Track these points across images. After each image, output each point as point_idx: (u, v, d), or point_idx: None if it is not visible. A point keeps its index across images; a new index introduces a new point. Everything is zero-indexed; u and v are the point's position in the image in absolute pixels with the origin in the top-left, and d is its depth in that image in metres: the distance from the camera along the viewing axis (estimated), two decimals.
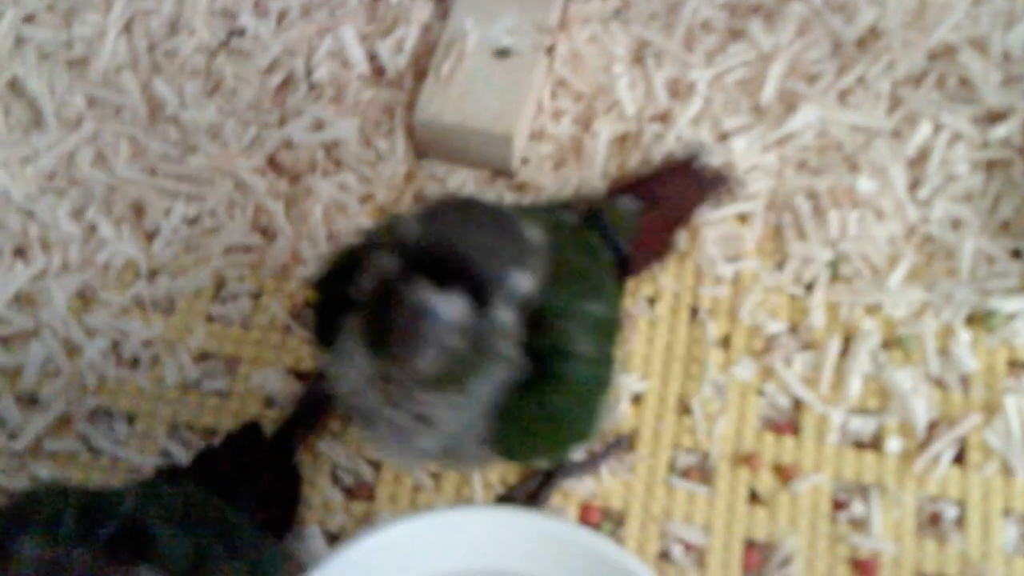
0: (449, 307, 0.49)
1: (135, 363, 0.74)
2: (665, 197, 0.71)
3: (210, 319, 0.75)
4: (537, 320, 0.54)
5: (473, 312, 0.49)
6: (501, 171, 0.80)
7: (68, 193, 0.79)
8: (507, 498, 0.68)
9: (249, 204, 0.79)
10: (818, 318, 0.74)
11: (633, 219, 0.68)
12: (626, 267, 0.65)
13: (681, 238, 0.75)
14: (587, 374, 0.56)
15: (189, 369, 0.73)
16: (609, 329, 0.59)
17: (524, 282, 0.50)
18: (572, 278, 0.57)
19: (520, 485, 0.69)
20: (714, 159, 0.77)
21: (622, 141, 0.81)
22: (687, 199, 0.73)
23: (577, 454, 0.68)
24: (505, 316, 0.51)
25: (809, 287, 0.75)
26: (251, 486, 0.65)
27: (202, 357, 0.74)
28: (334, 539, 0.68)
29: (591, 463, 0.69)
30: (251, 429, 0.68)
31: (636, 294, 0.75)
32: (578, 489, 0.69)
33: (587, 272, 0.59)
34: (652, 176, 0.73)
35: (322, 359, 0.59)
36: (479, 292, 0.49)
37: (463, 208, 0.52)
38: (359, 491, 0.70)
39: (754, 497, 0.69)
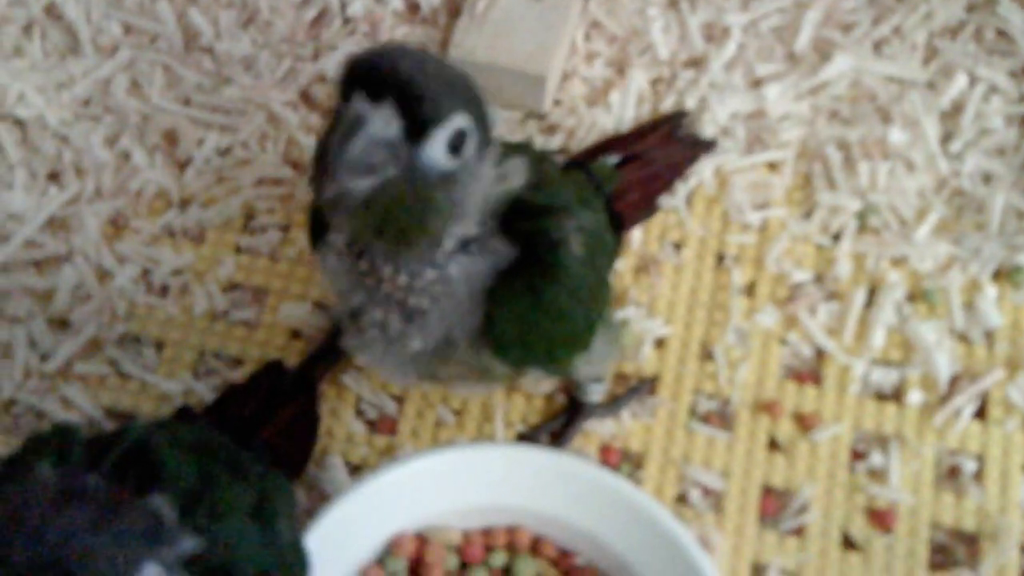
0: (379, 118, 0.48)
1: (164, 291, 0.74)
2: (648, 157, 0.73)
3: (239, 250, 0.76)
4: (521, 207, 0.55)
5: (406, 139, 0.48)
6: (532, 112, 0.79)
7: (103, 120, 0.80)
8: (529, 437, 0.69)
9: (281, 137, 0.79)
10: (844, 268, 0.74)
11: (614, 175, 0.70)
12: (618, 221, 0.66)
13: (662, 199, 0.75)
14: (578, 270, 0.56)
15: (217, 299, 0.74)
16: (601, 245, 0.59)
17: (464, 124, 0.49)
18: (560, 186, 0.58)
19: (543, 425, 0.69)
20: (698, 122, 0.78)
21: (654, 85, 0.81)
22: (669, 160, 0.75)
23: (597, 395, 0.68)
24: (441, 155, 0.49)
25: (836, 237, 0.75)
26: (270, 422, 0.66)
27: (230, 287, 0.75)
28: (356, 470, 0.69)
29: (613, 405, 0.69)
30: (274, 367, 0.69)
31: (663, 239, 0.75)
32: (599, 430, 0.69)
33: (576, 191, 0.60)
34: (634, 135, 0.75)
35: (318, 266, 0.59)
36: (415, 120, 0.48)
37: (423, 52, 0.51)
38: (382, 425, 0.70)
39: (773, 444, 0.70)
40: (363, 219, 0.50)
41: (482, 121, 0.51)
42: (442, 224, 0.52)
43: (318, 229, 0.58)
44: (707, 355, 0.72)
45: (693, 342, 0.72)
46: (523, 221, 0.55)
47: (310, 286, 0.74)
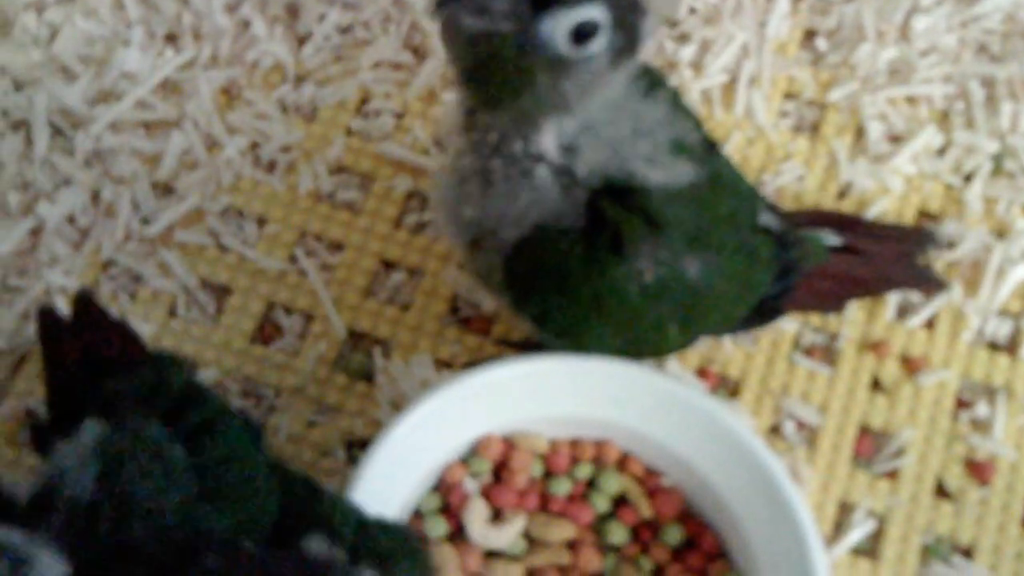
0: None
1: (271, 167, 0.74)
2: (871, 261, 0.66)
3: (350, 132, 0.74)
4: (622, 191, 0.52)
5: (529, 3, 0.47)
6: (665, 18, 0.77)
7: None
8: None
9: (404, 20, 0.77)
10: (972, 211, 0.71)
11: (823, 255, 0.64)
12: (774, 310, 0.62)
13: (853, 305, 0.69)
14: (628, 294, 0.54)
15: (323, 180, 0.73)
16: (688, 301, 0.56)
17: (596, 16, 0.47)
18: (701, 222, 0.54)
19: None
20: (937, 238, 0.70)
21: (796, 3, 0.78)
22: (889, 276, 0.67)
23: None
24: (561, 38, 0.47)
25: (968, 178, 0.72)
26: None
27: (338, 170, 0.74)
28: (444, 367, 0.68)
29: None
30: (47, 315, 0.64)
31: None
32: (699, 351, 0.68)
33: (721, 243, 0.56)
34: (870, 228, 0.69)
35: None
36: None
37: None
38: (475, 324, 0.69)
39: (876, 385, 0.68)
40: (464, 55, 0.49)
41: (625, 23, 0.48)
42: (536, 105, 0.50)
43: None
44: None
45: None
46: (615, 202, 0.52)
47: (419, 175, 0.73)
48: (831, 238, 0.65)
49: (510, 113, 0.51)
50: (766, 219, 0.60)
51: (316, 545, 0.45)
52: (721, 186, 0.56)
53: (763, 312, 0.61)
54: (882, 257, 0.67)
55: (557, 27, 0.47)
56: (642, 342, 0.57)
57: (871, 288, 0.67)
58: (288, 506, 0.48)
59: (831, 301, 0.66)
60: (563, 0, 0.46)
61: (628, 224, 0.53)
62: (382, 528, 0.49)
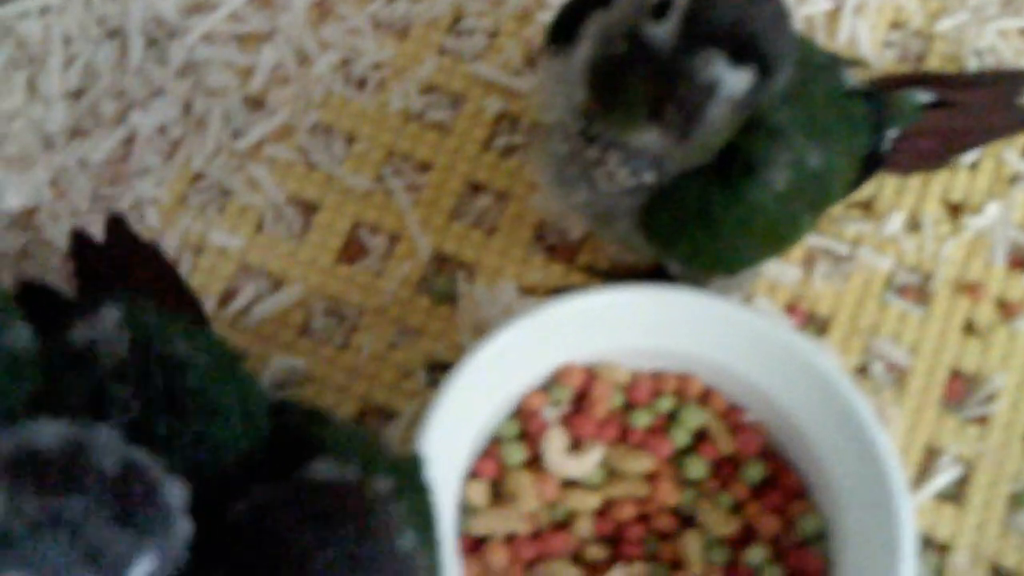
0: (739, 83, 0.47)
1: (362, 84, 0.73)
2: (968, 111, 0.65)
3: (442, 51, 0.73)
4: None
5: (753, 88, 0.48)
6: None
7: None
8: None
9: None
10: None
11: (916, 113, 0.63)
12: (876, 164, 0.61)
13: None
14: (765, 203, 0.54)
15: (413, 99, 0.72)
16: (816, 189, 0.56)
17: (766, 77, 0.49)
18: (808, 108, 0.55)
19: None
20: None
21: None
22: (990, 123, 0.66)
23: None
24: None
25: None
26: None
27: (428, 89, 0.73)
28: (527, 294, 0.67)
29: None
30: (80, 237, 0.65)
31: None
32: (786, 286, 0.66)
33: (831, 120, 0.56)
34: (962, 79, 0.67)
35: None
36: (764, 69, 0.48)
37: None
38: (561, 251, 0.68)
39: (969, 328, 0.66)
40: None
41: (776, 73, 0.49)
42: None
43: (566, 26, 0.56)
44: (915, 225, 0.68)
45: (902, 208, 0.68)
46: (737, 131, 0.52)
47: (510, 97, 0.71)
48: (923, 95, 0.64)
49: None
50: (850, 80, 0.59)
51: (324, 468, 0.44)
52: (810, 67, 0.56)
53: (866, 170, 0.61)
54: (979, 105, 0.66)
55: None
56: (781, 242, 0.58)
57: (973, 139, 0.66)
58: (283, 438, 0.47)
59: (934, 159, 0.66)
60: (775, 65, 0.48)
61: (755, 144, 0.53)
62: (395, 458, 0.49)
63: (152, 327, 0.45)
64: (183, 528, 0.39)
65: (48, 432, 0.38)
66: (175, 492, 0.39)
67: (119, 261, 0.62)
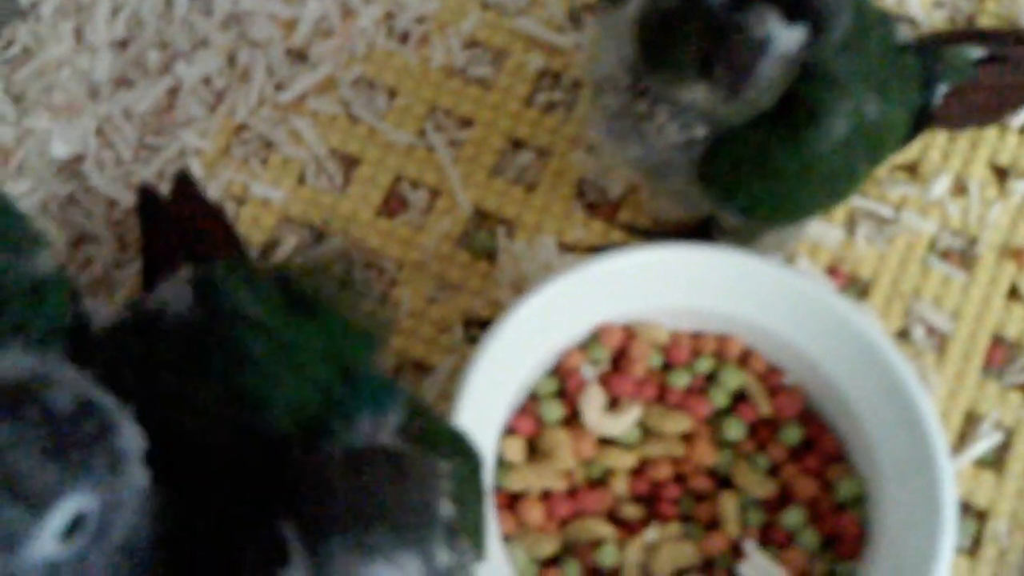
0: (792, 40, 0.47)
1: (405, 38, 0.73)
2: (1018, 59, 0.63)
3: (485, 6, 0.73)
4: (802, 68, 0.51)
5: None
6: None
7: None
8: None
9: None
10: None
11: (967, 69, 0.62)
12: (927, 119, 0.60)
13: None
14: (824, 151, 0.53)
15: (457, 54, 0.72)
16: (871, 139, 0.55)
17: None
18: (866, 61, 0.54)
19: None
20: None
21: None
22: None
23: None
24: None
25: None
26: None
27: (471, 44, 0.72)
28: (567, 251, 0.67)
29: None
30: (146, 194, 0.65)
31: None
32: (829, 248, 0.66)
33: (885, 74, 0.55)
34: (1011, 35, 0.66)
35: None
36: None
37: None
38: (601, 209, 0.68)
39: (1013, 293, 0.65)
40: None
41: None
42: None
43: None
44: (961, 188, 0.67)
45: (948, 171, 0.67)
46: (796, 81, 0.51)
47: (553, 53, 0.71)
48: (974, 51, 0.63)
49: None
50: (902, 35, 0.59)
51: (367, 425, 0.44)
52: (864, 20, 0.55)
53: (917, 125, 0.60)
54: None
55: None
56: (839, 192, 0.58)
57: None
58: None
59: (985, 114, 0.65)
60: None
61: (817, 93, 0.52)
62: (441, 427, 0.49)
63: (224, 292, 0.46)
64: (134, 476, 0.38)
65: (9, 362, 0.38)
66: (131, 439, 0.38)
67: (185, 221, 0.62)
